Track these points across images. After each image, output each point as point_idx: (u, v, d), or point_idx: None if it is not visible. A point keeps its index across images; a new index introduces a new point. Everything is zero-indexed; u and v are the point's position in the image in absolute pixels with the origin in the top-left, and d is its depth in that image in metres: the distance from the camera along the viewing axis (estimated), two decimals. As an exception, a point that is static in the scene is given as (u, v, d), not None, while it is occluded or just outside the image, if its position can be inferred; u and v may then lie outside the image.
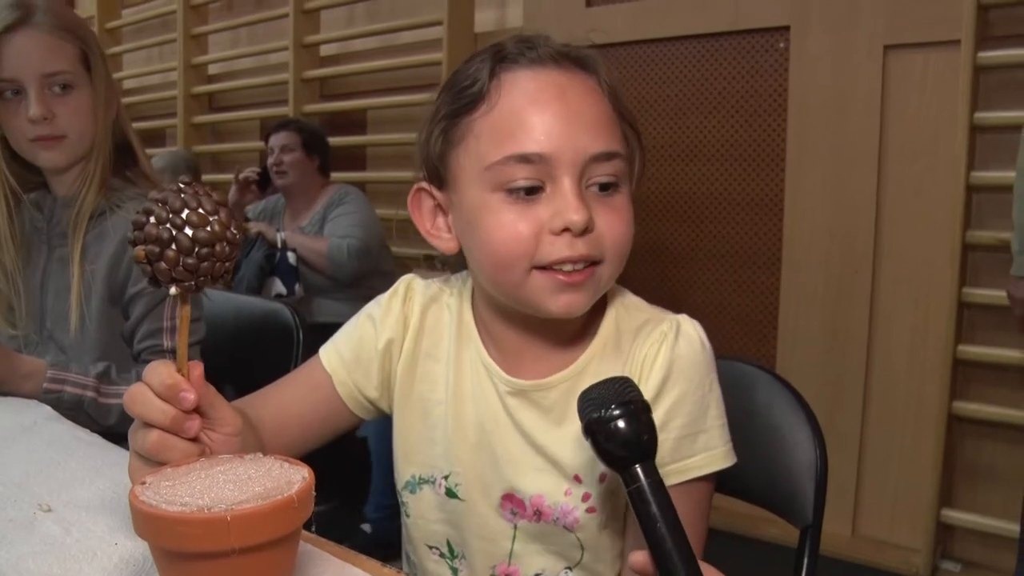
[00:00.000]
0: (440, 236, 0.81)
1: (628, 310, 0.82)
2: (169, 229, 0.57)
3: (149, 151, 1.35)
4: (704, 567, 0.55)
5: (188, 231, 0.57)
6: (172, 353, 0.63)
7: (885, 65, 2.27)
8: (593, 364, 0.79)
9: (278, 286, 2.74)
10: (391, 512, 2.13)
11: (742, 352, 2.53)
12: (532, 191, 0.72)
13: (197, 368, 0.62)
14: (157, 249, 0.57)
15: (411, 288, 0.88)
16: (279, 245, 2.75)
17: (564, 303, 0.73)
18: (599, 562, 0.81)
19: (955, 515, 2.23)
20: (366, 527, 2.45)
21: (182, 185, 0.59)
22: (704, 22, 2.56)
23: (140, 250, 0.58)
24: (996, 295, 2.02)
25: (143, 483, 0.53)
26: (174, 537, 0.49)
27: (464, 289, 0.86)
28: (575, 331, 0.80)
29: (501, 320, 0.81)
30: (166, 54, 4.32)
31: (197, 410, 0.62)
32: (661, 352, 0.76)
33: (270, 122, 3.18)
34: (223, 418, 0.65)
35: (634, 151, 0.78)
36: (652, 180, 2.66)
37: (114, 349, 1.21)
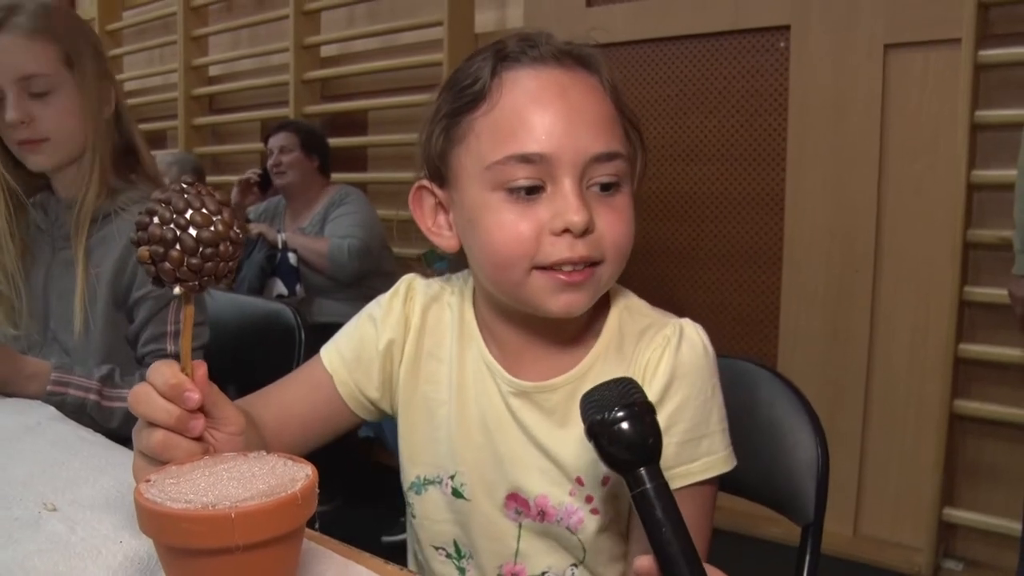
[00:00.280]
0: (441, 234, 0.80)
1: (631, 313, 0.82)
2: (173, 229, 0.57)
3: (153, 152, 1.34)
4: (710, 570, 0.54)
5: (192, 231, 0.58)
6: (176, 357, 0.63)
7: (886, 64, 2.27)
8: (596, 367, 0.79)
9: (279, 287, 2.75)
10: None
11: (743, 352, 2.53)
12: (533, 191, 0.71)
13: (201, 368, 0.63)
14: (161, 249, 0.57)
15: (412, 288, 0.88)
16: (280, 246, 2.76)
17: (564, 303, 0.73)
18: (601, 564, 0.81)
19: (957, 514, 2.23)
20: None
21: (185, 185, 0.59)
22: (704, 22, 2.56)
23: (144, 250, 0.58)
24: (997, 293, 2.02)
25: (148, 481, 0.53)
26: (179, 534, 0.49)
27: (465, 288, 0.86)
28: (576, 332, 0.80)
29: (502, 319, 0.81)
30: (167, 56, 4.32)
31: (201, 409, 0.62)
32: (665, 357, 0.76)
33: (271, 124, 3.18)
34: (227, 417, 0.66)
35: (636, 151, 0.78)
36: (653, 180, 2.66)
37: (118, 352, 1.21)
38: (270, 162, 2.90)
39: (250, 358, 1.37)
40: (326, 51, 3.66)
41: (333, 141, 3.07)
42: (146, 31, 4.48)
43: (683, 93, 2.65)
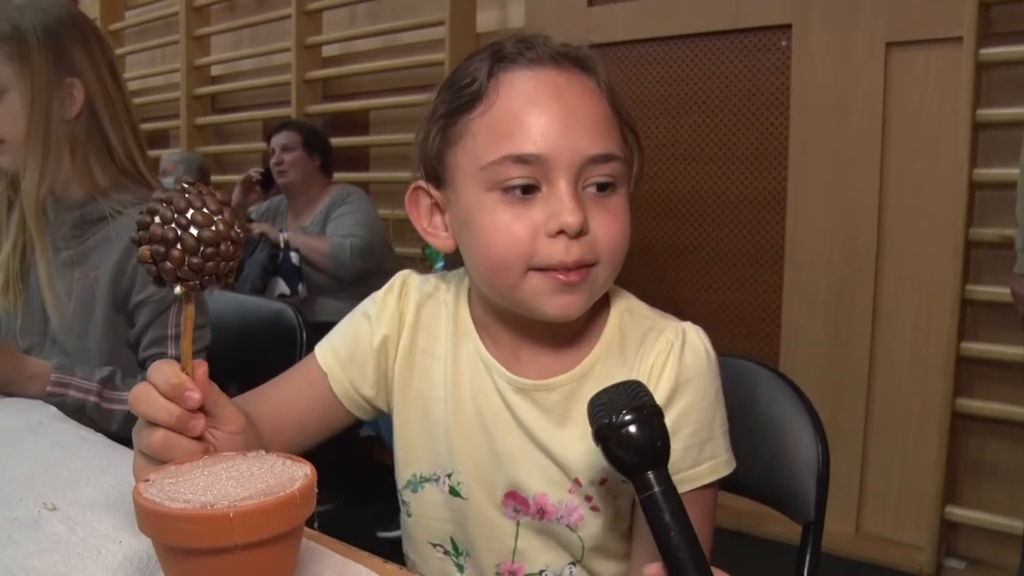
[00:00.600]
0: (437, 235, 0.80)
1: (632, 315, 0.82)
2: (174, 228, 0.58)
3: (155, 152, 1.33)
4: (717, 573, 0.54)
5: (193, 231, 0.58)
6: (178, 360, 0.63)
7: (887, 63, 2.26)
8: (597, 368, 0.79)
9: (281, 286, 2.75)
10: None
11: (745, 351, 2.53)
12: (528, 190, 0.71)
13: (201, 367, 0.63)
14: (162, 249, 0.58)
15: (407, 284, 0.88)
16: (282, 245, 2.76)
17: (560, 305, 0.73)
18: (599, 562, 0.81)
19: (959, 512, 2.23)
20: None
21: (186, 185, 0.59)
22: (705, 21, 2.56)
23: (145, 250, 0.58)
24: (999, 292, 2.01)
25: (147, 480, 0.53)
26: (177, 534, 0.49)
27: (461, 286, 0.86)
28: (575, 332, 0.80)
29: (497, 319, 0.81)
30: (169, 56, 4.33)
31: (202, 409, 0.63)
32: (669, 363, 0.76)
33: (273, 123, 3.18)
34: (227, 416, 0.66)
35: (632, 153, 0.78)
36: (654, 180, 2.66)
37: (119, 356, 1.20)
38: (272, 161, 2.91)
39: (251, 358, 1.38)
40: (328, 51, 3.66)
41: (335, 141, 3.08)
42: (148, 31, 4.49)
43: (684, 93, 2.65)
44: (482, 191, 0.73)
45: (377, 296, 0.88)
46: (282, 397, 0.85)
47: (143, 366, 1.20)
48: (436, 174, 0.78)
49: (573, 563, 0.81)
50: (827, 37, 2.35)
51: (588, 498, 0.78)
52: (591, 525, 0.78)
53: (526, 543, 0.81)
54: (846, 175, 2.36)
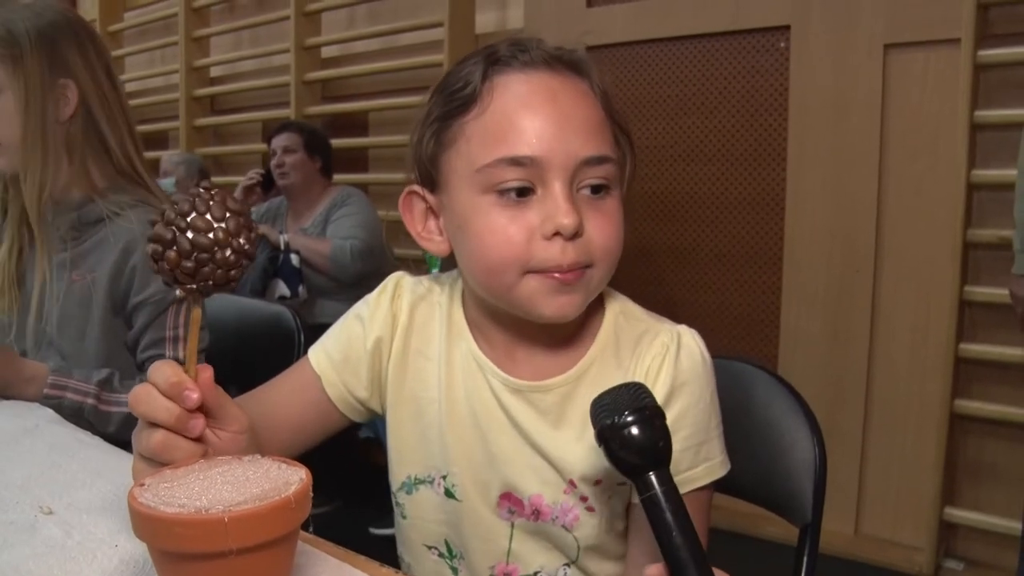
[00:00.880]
0: (431, 239, 0.80)
1: (627, 318, 0.82)
2: (173, 230, 0.58)
3: (155, 153, 1.33)
4: (717, 573, 0.54)
5: (189, 234, 0.58)
6: (176, 362, 0.63)
7: (885, 64, 2.27)
8: (593, 370, 0.79)
9: (281, 288, 2.75)
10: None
11: (744, 352, 2.53)
12: (523, 192, 0.71)
13: (206, 371, 0.63)
14: (160, 248, 0.58)
15: (400, 285, 0.87)
16: (282, 247, 2.76)
17: (558, 306, 0.73)
18: (594, 563, 0.81)
19: (958, 513, 2.23)
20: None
21: (202, 190, 0.59)
22: (704, 22, 2.56)
23: (149, 247, 0.59)
24: (998, 293, 2.02)
25: (142, 485, 0.53)
26: (172, 538, 0.49)
27: (454, 288, 0.86)
28: (569, 334, 0.80)
29: (491, 320, 0.81)
30: (168, 57, 4.33)
31: (206, 411, 0.63)
32: (665, 366, 0.76)
33: (272, 124, 3.18)
34: (232, 416, 0.66)
35: (625, 155, 0.78)
36: (653, 180, 2.66)
37: (117, 358, 1.20)
38: (273, 162, 2.91)
39: (250, 360, 1.38)
40: (327, 52, 3.66)
41: (334, 142, 3.08)
42: (147, 32, 4.49)
43: (683, 93, 2.65)
44: (477, 194, 0.73)
45: (370, 298, 0.88)
46: (276, 400, 0.85)
47: (141, 368, 1.20)
48: (430, 178, 0.78)
49: (567, 564, 0.81)
50: (826, 38, 2.35)
51: (583, 499, 0.78)
52: (586, 525, 0.79)
53: (520, 544, 0.81)
54: (845, 176, 2.36)
